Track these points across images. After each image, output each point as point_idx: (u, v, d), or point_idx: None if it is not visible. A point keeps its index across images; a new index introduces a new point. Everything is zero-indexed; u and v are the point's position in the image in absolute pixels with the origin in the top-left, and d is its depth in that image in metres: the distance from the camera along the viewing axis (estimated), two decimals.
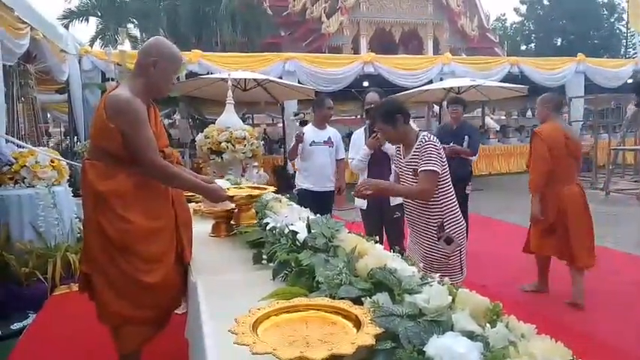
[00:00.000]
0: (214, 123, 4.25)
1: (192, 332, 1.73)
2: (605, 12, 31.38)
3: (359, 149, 3.68)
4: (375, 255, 1.39)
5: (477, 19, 22.24)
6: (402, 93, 10.27)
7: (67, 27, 15.28)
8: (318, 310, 1.15)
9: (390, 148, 3.29)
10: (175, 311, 2.25)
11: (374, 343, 0.96)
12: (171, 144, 2.39)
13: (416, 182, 2.63)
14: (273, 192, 2.64)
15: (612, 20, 31.50)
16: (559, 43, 30.98)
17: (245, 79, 8.65)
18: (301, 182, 4.45)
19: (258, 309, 1.12)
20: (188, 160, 8.61)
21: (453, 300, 1.10)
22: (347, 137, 8.56)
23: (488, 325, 1.00)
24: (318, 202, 4.10)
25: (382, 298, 1.13)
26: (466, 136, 4.80)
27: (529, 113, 16.87)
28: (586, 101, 12.61)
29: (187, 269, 2.09)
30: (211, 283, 1.75)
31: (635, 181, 10.15)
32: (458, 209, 2.71)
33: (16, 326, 3.44)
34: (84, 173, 2.05)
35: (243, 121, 5.60)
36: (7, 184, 4.13)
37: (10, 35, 4.65)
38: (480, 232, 5.85)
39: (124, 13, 18.32)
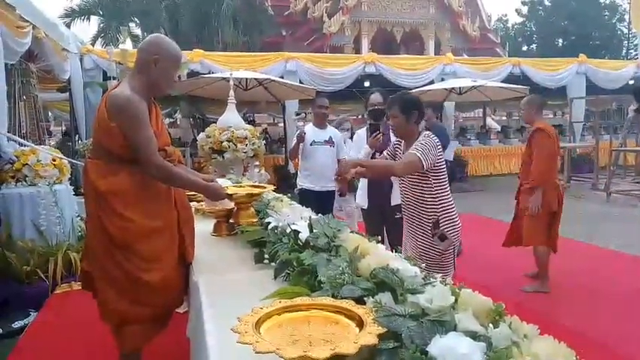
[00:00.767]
0: (215, 122, 4.25)
1: (193, 331, 1.73)
2: (607, 13, 31.32)
3: (360, 149, 3.68)
4: (378, 255, 1.39)
5: (479, 19, 22.25)
6: None
7: (68, 26, 15.30)
8: (320, 309, 1.14)
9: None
10: (176, 310, 2.26)
11: (377, 342, 0.96)
12: (173, 143, 2.39)
13: (411, 177, 2.67)
14: (273, 191, 2.64)
15: (614, 21, 31.44)
16: (560, 44, 30.95)
17: (246, 79, 8.65)
18: (302, 182, 4.46)
19: (261, 308, 1.12)
20: (189, 160, 8.62)
21: (456, 300, 1.10)
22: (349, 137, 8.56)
23: (491, 325, 1.00)
24: (319, 201, 4.10)
25: (385, 297, 1.13)
26: None
27: None
28: (587, 102, 12.58)
29: (189, 268, 2.09)
30: (213, 283, 1.75)
31: (637, 182, 10.15)
32: (454, 207, 2.71)
33: (17, 324, 3.44)
34: (85, 172, 2.05)
35: (250, 123, 5.60)
36: (9, 182, 4.14)
37: (12, 34, 4.65)
38: (480, 233, 5.86)
39: (125, 12, 18.31)
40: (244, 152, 3.91)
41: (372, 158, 3.63)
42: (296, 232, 1.77)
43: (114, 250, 1.98)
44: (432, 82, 11.12)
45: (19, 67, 5.90)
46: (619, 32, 31.25)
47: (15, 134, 5.22)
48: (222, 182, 2.55)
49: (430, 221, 2.66)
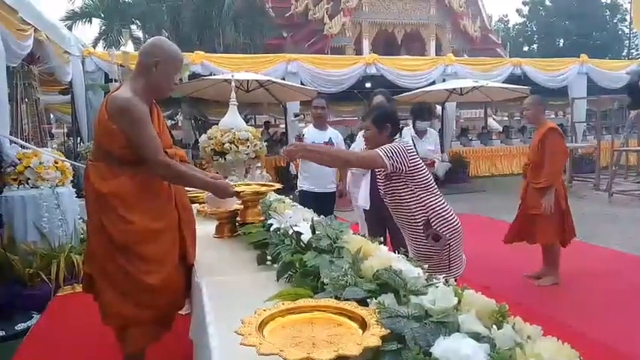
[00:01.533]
0: (217, 124, 4.25)
1: (196, 333, 1.73)
2: (608, 13, 31.31)
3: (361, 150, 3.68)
4: (380, 256, 1.39)
5: (480, 20, 22.24)
6: (405, 94, 10.27)
7: (70, 28, 15.32)
8: (323, 311, 1.14)
9: None
10: (179, 312, 2.26)
11: (380, 344, 0.96)
12: (174, 145, 2.39)
13: (386, 184, 2.71)
14: (278, 189, 2.64)
15: (615, 21, 31.43)
16: (561, 44, 30.93)
17: (248, 81, 8.66)
18: (302, 183, 4.46)
19: (264, 310, 1.12)
20: (191, 161, 8.61)
21: (459, 301, 1.10)
22: (349, 139, 8.56)
23: (494, 326, 1.00)
24: (320, 203, 4.10)
25: (388, 299, 1.13)
26: None
27: None
28: (589, 102, 12.57)
29: (191, 270, 2.09)
30: (215, 284, 1.75)
31: (638, 183, 10.13)
32: (444, 205, 2.69)
33: (20, 327, 3.45)
34: (86, 174, 2.05)
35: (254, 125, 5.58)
36: (11, 184, 4.14)
37: (14, 36, 4.66)
38: (482, 233, 5.85)
39: (126, 14, 18.35)
40: (246, 154, 3.91)
41: None
42: (298, 234, 1.77)
43: (115, 253, 1.99)
44: (433, 83, 11.12)
45: (21, 70, 5.92)
46: (620, 32, 31.21)
47: (17, 136, 5.23)
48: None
49: (421, 223, 2.66)
